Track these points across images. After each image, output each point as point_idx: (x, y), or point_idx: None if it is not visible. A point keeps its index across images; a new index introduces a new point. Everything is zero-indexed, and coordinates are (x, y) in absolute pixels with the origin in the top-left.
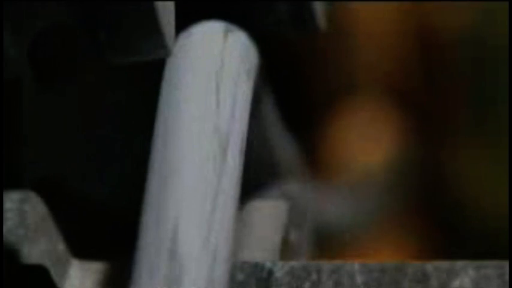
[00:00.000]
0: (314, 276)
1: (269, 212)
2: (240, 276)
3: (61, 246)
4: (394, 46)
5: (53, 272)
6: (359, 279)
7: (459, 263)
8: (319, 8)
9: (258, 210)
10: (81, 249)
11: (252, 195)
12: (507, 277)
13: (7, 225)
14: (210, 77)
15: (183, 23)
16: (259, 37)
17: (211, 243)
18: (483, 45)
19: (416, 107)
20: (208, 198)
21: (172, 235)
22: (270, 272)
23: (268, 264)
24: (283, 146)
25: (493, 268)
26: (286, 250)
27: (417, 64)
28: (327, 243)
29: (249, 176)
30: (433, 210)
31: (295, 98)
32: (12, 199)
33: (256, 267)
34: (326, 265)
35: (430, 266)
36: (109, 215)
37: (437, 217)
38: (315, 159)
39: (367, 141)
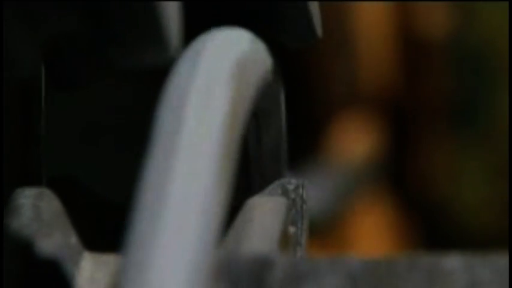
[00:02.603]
0: (312, 260)
1: (270, 208)
2: (241, 261)
3: (73, 240)
4: (381, 48)
5: (66, 264)
6: (355, 261)
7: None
8: (317, 17)
9: (259, 206)
10: (92, 243)
11: (254, 193)
12: (500, 262)
13: (23, 219)
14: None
15: (189, 28)
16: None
17: None
18: (466, 47)
19: (399, 109)
20: None
21: None
22: (271, 257)
23: (269, 253)
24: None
25: (484, 253)
26: (285, 243)
27: (403, 67)
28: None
29: (251, 176)
30: (406, 193)
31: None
32: (28, 195)
33: (258, 255)
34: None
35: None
36: (119, 211)
37: (409, 200)
38: (312, 153)
39: (357, 138)
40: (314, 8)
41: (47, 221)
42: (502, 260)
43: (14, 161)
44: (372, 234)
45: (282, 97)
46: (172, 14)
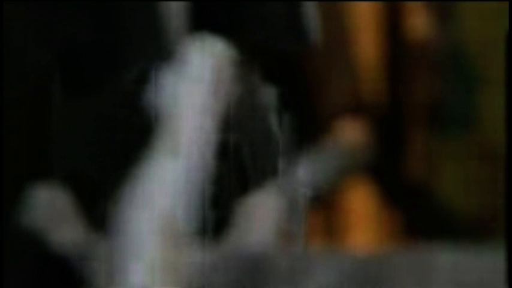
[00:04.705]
0: (311, 256)
1: (269, 205)
2: (241, 257)
3: (84, 233)
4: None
5: (76, 257)
6: (353, 257)
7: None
8: (313, 21)
9: (259, 203)
10: (101, 235)
11: (254, 191)
12: (494, 256)
13: (35, 214)
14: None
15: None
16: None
17: None
18: (452, 49)
19: (389, 108)
20: None
21: None
22: (270, 253)
23: (268, 249)
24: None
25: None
26: (284, 239)
27: (393, 68)
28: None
29: (251, 175)
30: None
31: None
32: (41, 191)
33: (257, 251)
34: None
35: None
36: None
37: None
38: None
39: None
40: (310, 11)
41: (58, 215)
42: (496, 254)
43: (26, 156)
44: (359, 221)
45: (262, 97)
46: (175, 15)
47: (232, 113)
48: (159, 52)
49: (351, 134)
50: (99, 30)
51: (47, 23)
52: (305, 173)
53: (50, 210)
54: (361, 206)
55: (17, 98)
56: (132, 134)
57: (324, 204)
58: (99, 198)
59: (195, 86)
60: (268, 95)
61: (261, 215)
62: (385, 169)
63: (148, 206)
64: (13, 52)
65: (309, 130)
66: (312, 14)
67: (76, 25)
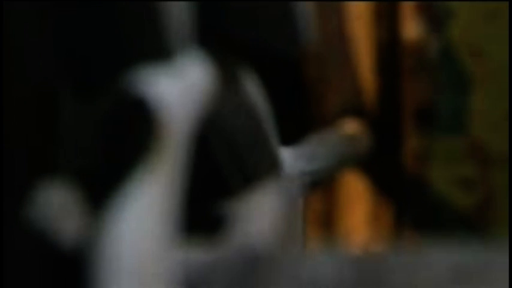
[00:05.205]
0: (309, 254)
1: (269, 205)
2: (240, 256)
3: (86, 228)
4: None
5: (78, 256)
6: (352, 255)
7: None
8: (307, 22)
9: (259, 203)
10: (101, 235)
11: (254, 191)
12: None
13: (40, 212)
14: None
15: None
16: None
17: None
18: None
19: (383, 109)
20: None
21: None
22: (269, 252)
23: (267, 247)
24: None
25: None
26: (284, 238)
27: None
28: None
29: (251, 175)
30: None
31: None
32: (45, 187)
33: (257, 250)
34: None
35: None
36: None
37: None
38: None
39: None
40: (303, 12)
41: (63, 213)
42: (496, 253)
43: (29, 156)
44: (358, 220)
45: (255, 99)
46: (175, 16)
47: (225, 115)
48: (159, 52)
49: (349, 130)
50: (99, 31)
51: (51, 27)
52: (304, 162)
53: (55, 209)
54: (359, 204)
55: (22, 99)
56: (129, 136)
57: (322, 197)
58: (99, 198)
59: (188, 89)
60: (264, 96)
61: (261, 215)
62: (380, 169)
63: (133, 221)
64: (18, 55)
65: (309, 130)
66: (305, 15)
67: (79, 28)
